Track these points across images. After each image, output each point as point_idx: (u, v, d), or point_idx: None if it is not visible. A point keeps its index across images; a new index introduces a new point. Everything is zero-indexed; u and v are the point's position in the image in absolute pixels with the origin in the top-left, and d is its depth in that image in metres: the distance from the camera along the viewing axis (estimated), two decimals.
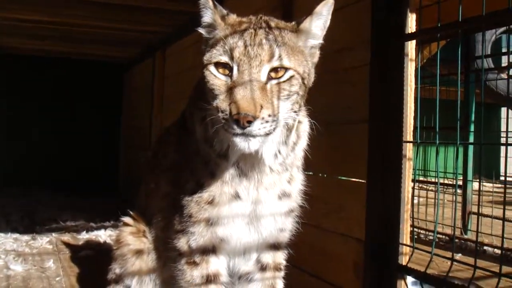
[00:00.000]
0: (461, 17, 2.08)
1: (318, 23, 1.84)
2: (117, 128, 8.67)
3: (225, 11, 1.86)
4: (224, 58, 1.71)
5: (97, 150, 8.54)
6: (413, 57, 2.38)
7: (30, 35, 6.31)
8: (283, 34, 1.76)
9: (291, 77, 1.72)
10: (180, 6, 4.66)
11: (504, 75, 5.61)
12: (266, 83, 1.68)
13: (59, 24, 5.61)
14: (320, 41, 1.88)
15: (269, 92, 1.67)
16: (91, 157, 8.44)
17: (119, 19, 5.29)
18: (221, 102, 1.67)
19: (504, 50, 6.25)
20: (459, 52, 2.33)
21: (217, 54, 1.72)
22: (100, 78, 8.56)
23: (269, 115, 1.63)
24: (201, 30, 1.86)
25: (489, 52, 5.78)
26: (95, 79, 8.52)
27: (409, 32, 2.35)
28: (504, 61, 6.96)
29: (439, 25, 2.19)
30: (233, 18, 1.85)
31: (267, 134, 1.67)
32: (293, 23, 1.86)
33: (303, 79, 1.76)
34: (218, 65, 1.72)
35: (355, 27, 2.62)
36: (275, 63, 1.69)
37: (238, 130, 1.62)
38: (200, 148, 1.96)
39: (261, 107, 1.62)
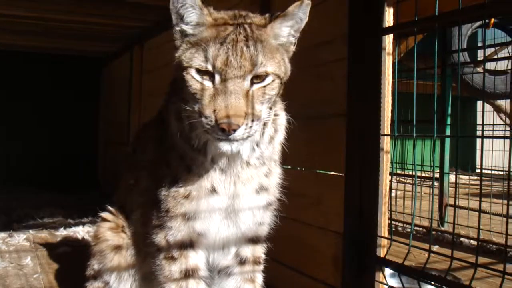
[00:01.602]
0: (438, 12, 2.10)
1: (295, 21, 1.81)
2: (96, 123, 8.57)
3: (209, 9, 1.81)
4: (206, 66, 1.68)
5: (75, 145, 8.43)
6: (391, 51, 2.39)
7: (6, 30, 6.18)
8: (261, 37, 1.74)
9: (272, 81, 1.74)
10: (159, 1, 4.60)
11: (480, 69, 5.68)
12: (248, 90, 1.68)
13: (37, 19, 5.50)
14: (296, 36, 1.86)
15: (251, 98, 1.69)
16: (69, 152, 8.32)
17: (97, 14, 5.20)
18: (204, 108, 1.66)
19: (480, 44, 6.32)
20: (436, 46, 2.36)
21: (199, 60, 1.70)
22: (79, 73, 8.43)
23: (252, 120, 1.67)
24: (185, 27, 1.79)
25: (465, 46, 5.84)
26: (73, 74, 8.38)
27: (387, 26, 2.36)
28: (480, 55, 7.06)
29: (416, 19, 2.21)
30: (217, 15, 1.81)
31: (249, 137, 1.70)
32: (268, 18, 1.83)
33: (281, 79, 1.79)
34: (199, 70, 1.71)
35: (333, 21, 2.62)
36: (257, 71, 1.69)
37: (223, 137, 1.65)
38: (176, 142, 1.95)
39: (245, 114, 1.64)
